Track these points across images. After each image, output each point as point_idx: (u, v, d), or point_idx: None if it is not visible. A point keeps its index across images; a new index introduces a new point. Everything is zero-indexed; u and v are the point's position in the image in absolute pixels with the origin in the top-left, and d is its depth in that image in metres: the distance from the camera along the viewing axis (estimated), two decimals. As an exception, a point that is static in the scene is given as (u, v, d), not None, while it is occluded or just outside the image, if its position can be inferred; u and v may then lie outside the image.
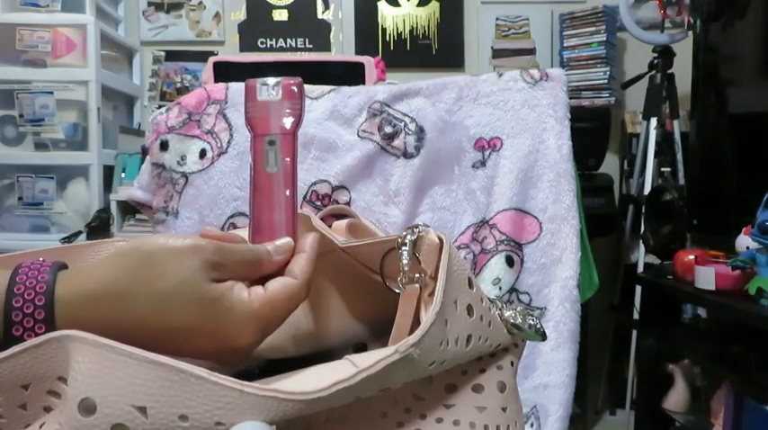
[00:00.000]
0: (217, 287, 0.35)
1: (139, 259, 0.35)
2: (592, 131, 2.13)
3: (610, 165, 2.33)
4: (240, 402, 0.28)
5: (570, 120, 0.86)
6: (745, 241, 1.18)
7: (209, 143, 0.86)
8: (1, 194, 2.20)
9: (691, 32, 1.90)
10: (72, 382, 0.28)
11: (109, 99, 2.31)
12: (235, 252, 0.37)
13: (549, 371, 0.80)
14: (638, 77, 2.13)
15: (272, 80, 0.43)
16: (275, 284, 0.37)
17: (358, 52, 2.51)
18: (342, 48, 2.55)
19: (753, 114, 1.56)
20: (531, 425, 0.79)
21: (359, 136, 0.86)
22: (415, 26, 2.56)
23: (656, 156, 2.01)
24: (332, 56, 2.44)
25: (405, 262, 0.39)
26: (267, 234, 0.41)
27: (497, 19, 2.52)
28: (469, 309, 0.38)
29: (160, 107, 1.48)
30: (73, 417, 0.27)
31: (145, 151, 2.01)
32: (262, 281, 0.38)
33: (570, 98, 0.88)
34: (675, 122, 2.05)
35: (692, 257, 1.36)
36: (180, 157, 0.85)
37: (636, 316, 1.83)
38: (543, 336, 0.41)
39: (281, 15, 2.56)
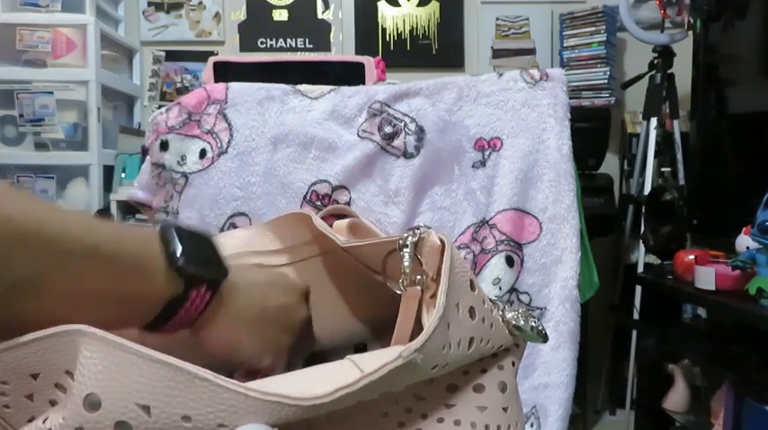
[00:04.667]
0: None
1: None
2: (592, 131, 2.13)
3: (610, 165, 2.33)
4: (243, 405, 0.28)
5: (570, 120, 0.86)
6: (745, 241, 1.18)
7: (209, 143, 0.86)
8: (1, 194, 2.19)
9: (691, 32, 1.90)
10: (79, 377, 0.28)
11: (109, 99, 2.31)
12: None
13: (549, 371, 0.80)
14: (638, 77, 2.12)
15: None
16: None
17: (358, 52, 2.50)
18: (342, 48, 2.55)
19: (753, 114, 1.56)
20: (531, 425, 0.79)
21: (359, 136, 0.86)
22: (415, 26, 2.55)
23: (656, 156, 2.00)
24: (332, 56, 2.43)
25: (406, 264, 0.39)
26: None
27: (497, 19, 2.52)
28: (471, 312, 0.38)
29: (160, 107, 1.48)
30: (77, 412, 0.27)
31: (145, 151, 2.01)
32: None
33: (570, 98, 0.88)
34: (675, 122, 2.05)
35: (692, 257, 1.36)
36: (180, 157, 0.85)
37: (636, 316, 1.83)
38: (545, 338, 0.41)
39: (281, 15, 2.56)
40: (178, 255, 0.36)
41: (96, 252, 0.33)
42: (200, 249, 0.38)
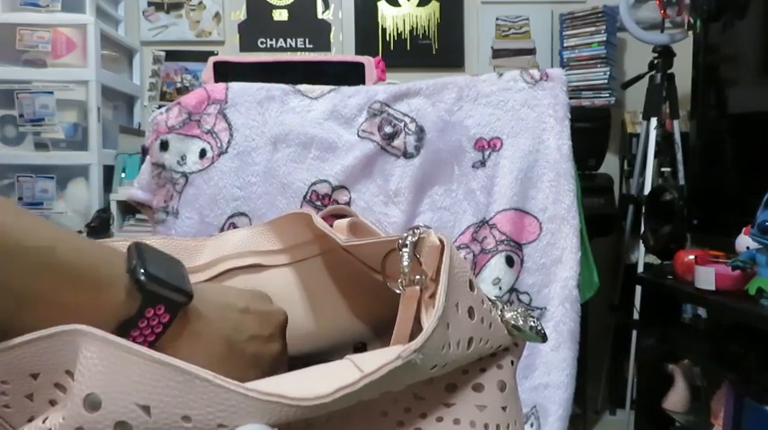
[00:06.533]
0: None
1: None
2: (592, 131, 2.13)
3: (610, 165, 2.33)
4: (244, 405, 0.28)
5: (570, 120, 0.86)
6: (745, 241, 1.18)
7: (209, 143, 0.86)
8: (1, 194, 2.19)
9: (691, 32, 1.90)
10: (78, 377, 0.28)
11: (109, 99, 2.31)
12: None
13: (549, 371, 0.80)
14: (638, 77, 2.12)
15: None
16: None
17: (358, 52, 2.50)
18: (342, 48, 2.55)
19: (753, 114, 1.56)
20: (531, 425, 0.79)
21: (359, 136, 0.86)
22: (415, 26, 2.55)
23: (656, 156, 2.00)
24: (332, 56, 2.43)
25: (405, 263, 0.39)
26: None
27: (497, 19, 2.52)
28: (471, 312, 0.38)
29: (160, 107, 1.48)
30: (77, 412, 0.27)
31: (145, 151, 2.01)
32: None
33: (570, 98, 0.88)
34: (675, 122, 2.05)
35: (692, 257, 1.36)
36: (180, 157, 0.85)
37: (636, 316, 1.83)
38: (544, 338, 0.41)
39: (281, 15, 2.56)
40: (139, 269, 0.34)
41: (49, 252, 0.31)
42: (166, 270, 0.36)
